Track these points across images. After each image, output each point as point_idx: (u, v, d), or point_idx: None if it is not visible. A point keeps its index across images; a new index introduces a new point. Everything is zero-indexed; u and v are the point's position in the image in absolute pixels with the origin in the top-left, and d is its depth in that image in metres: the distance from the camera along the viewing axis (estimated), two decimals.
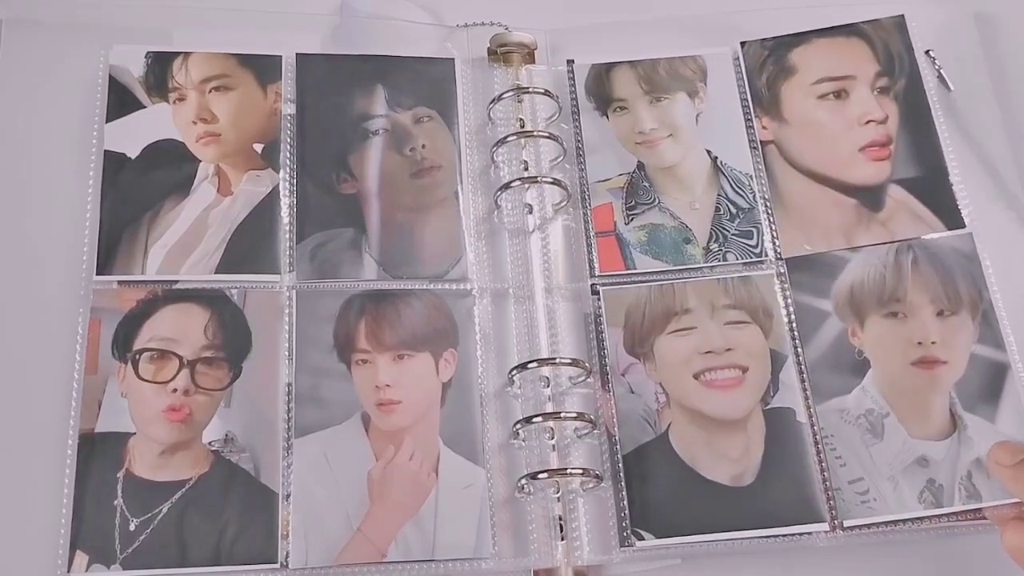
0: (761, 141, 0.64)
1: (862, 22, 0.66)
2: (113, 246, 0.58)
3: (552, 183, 0.61)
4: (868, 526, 0.54)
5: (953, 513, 0.53)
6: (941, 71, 0.65)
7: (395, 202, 0.61)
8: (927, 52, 0.66)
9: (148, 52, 0.63)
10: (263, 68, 0.64)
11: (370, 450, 0.55)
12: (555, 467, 0.55)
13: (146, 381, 0.55)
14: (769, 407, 0.56)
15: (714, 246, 0.61)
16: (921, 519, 0.54)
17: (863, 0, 0.67)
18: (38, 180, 0.60)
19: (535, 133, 0.62)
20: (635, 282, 0.60)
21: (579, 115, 0.65)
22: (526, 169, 0.62)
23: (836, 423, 0.56)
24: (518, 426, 0.55)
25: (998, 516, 0.53)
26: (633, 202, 0.62)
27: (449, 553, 0.53)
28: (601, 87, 0.65)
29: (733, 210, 0.62)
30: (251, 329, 0.57)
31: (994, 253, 0.60)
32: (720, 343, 0.58)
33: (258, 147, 0.62)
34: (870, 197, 0.62)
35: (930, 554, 0.55)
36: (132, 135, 0.61)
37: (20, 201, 0.59)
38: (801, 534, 0.53)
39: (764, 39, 0.66)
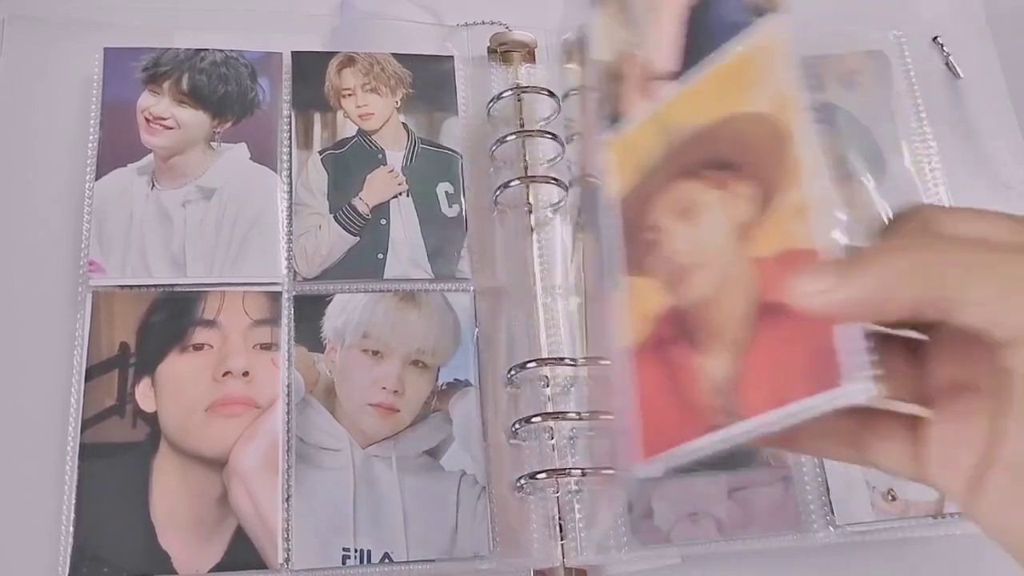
0: None
1: None
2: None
3: (551, 182, 0.61)
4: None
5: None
6: (949, 58, 0.64)
7: None
8: (935, 39, 0.64)
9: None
10: None
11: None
12: (555, 467, 0.55)
13: None
14: None
15: None
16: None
17: None
18: (38, 178, 0.60)
19: (534, 132, 0.62)
20: None
21: None
22: (525, 169, 0.62)
23: None
24: (517, 426, 0.55)
25: None
26: None
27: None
28: None
29: None
30: None
31: None
32: None
33: None
34: None
35: (931, 554, 0.55)
36: None
37: (20, 200, 0.59)
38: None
39: None
